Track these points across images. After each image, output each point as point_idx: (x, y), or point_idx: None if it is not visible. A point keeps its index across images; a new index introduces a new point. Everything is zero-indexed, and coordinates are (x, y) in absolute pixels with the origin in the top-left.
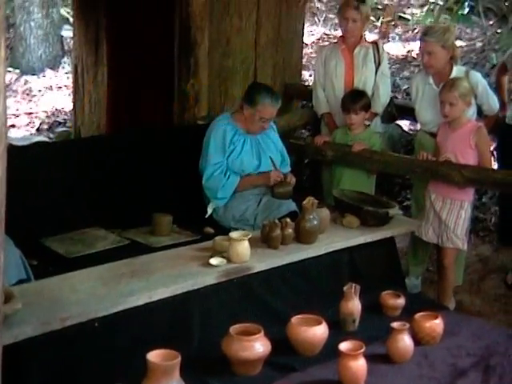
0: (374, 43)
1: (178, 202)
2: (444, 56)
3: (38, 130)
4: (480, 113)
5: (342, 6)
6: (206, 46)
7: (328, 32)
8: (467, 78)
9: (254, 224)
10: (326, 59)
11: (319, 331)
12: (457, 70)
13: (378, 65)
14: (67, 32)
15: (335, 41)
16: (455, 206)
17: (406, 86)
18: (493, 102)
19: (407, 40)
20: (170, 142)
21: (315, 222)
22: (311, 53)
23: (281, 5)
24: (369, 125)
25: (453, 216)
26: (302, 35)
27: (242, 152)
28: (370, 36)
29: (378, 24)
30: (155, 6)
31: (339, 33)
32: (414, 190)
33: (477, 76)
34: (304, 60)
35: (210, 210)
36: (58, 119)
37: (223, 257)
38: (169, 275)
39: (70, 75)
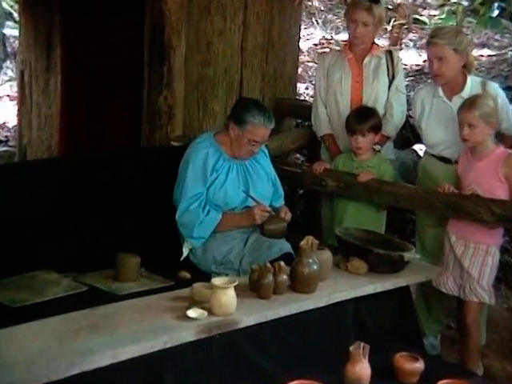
0: (388, 52)
1: (148, 241)
2: (457, 62)
3: None
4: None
5: (351, 6)
6: (182, 51)
7: (328, 36)
8: (484, 90)
9: (240, 268)
10: (328, 70)
11: None
12: (471, 81)
13: (391, 78)
14: (11, 30)
15: (338, 48)
16: (480, 251)
17: None
18: None
19: (423, 47)
20: (137, 167)
21: (315, 267)
22: (308, 61)
23: (272, 3)
24: (379, 150)
25: (477, 263)
26: (298, 40)
27: (226, 181)
28: (378, 42)
29: (389, 28)
30: (121, 3)
31: (341, 37)
32: (419, 226)
33: (495, 88)
34: (299, 70)
35: (185, 251)
36: None
37: (203, 308)
38: (137, 330)
39: (15, 83)
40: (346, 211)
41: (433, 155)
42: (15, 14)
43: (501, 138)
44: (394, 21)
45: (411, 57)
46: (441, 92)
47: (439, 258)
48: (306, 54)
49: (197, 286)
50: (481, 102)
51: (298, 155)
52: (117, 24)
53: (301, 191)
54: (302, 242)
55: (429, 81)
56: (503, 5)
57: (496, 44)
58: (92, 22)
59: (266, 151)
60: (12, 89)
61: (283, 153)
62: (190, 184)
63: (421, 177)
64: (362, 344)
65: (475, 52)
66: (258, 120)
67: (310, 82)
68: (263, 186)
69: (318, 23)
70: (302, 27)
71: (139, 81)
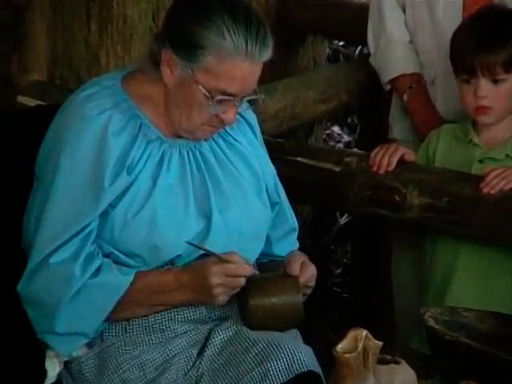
0: None
1: None
2: None
3: None
4: None
5: None
6: None
7: None
8: None
9: None
10: None
11: None
12: None
13: None
14: None
15: None
16: None
17: None
18: None
19: None
20: None
21: None
22: None
23: None
24: None
25: None
26: None
27: (152, 196)
28: None
29: None
30: None
31: None
32: None
33: None
34: None
35: (52, 371)
36: None
37: None
38: None
39: None
40: (454, 268)
41: None
42: None
43: None
44: None
45: None
46: None
47: None
48: None
49: None
50: None
51: (333, 129)
52: None
53: (343, 219)
54: (340, 345)
55: None
56: None
57: None
58: None
59: (253, 121)
60: None
61: (298, 125)
62: (59, 206)
63: None
64: None
65: None
66: (232, 41)
67: None
68: (245, 203)
69: None
70: None
71: None
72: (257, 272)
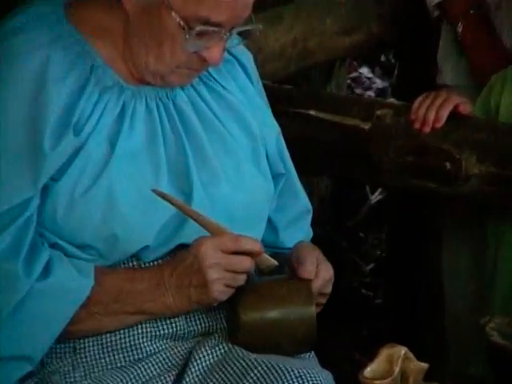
0: None
1: None
2: None
3: None
4: None
5: None
6: None
7: None
8: None
9: None
10: None
11: None
12: None
13: None
14: None
15: None
16: None
17: None
18: None
19: None
20: None
21: None
22: None
23: None
24: None
25: None
26: None
27: (111, 162)
28: None
29: None
30: None
31: None
32: None
33: None
34: None
35: None
36: None
37: None
38: None
39: None
40: None
41: None
42: None
43: None
44: None
45: None
46: None
47: None
48: None
49: None
50: None
51: (361, 71)
52: None
53: (375, 195)
54: (369, 368)
55: None
56: None
57: None
58: None
59: (248, 60)
60: None
61: (311, 66)
62: None
63: None
64: None
65: None
66: None
67: None
68: (238, 175)
69: None
70: None
71: None
72: (271, 260)
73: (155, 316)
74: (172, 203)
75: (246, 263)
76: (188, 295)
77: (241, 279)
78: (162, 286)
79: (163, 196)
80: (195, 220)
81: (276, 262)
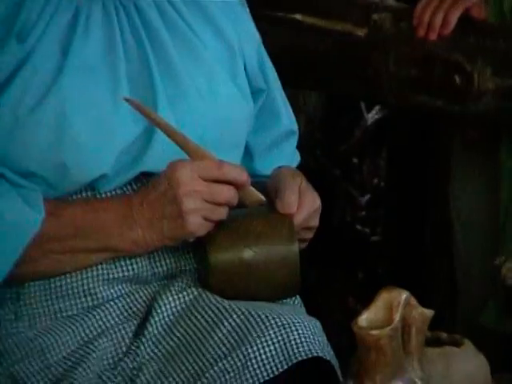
0: None
1: None
2: None
3: None
4: None
5: None
6: None
7: None
8: None
9: None
10: None
11: None
12: None
13: None
14: None
15: None
16: None
17: None
18: None
19: None
20: None
21: None
22: None
23: None
24: None
25: None
26: None
27: (62, 74)
28: None
29: None
30: None
31: None
32: None
33: None
34: None
35: None
36: None
37: None
38: None
39: None
40: None
41: None
42: None
43: None
44: None
45: None
46: None
47: None
48: None
49: None
50: None
51: None
52: None
53: (371, 114)
54: (365, 315)
55: None
56: None
57: None
58: None
59: None
60: None
61: None
62: None
63: None
64: None
65: None
66: None
67: None
68: (210, 91)
69: None
70: None
71: None
72: (258, 195)
73: (121, 253)
74: (150, 118)
75: (229, 194)
76: (160, 229)
77: (221, 212)
78: (130, 217)
79: (138, 107)
80: (174, 140)
81: (264, 198)
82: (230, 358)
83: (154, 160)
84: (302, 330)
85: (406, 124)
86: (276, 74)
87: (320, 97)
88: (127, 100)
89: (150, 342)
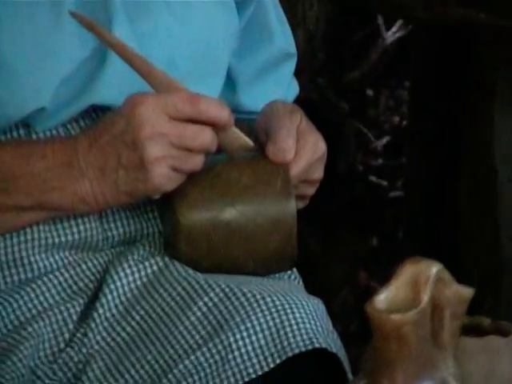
0: None
1: None
2: None
3: None
4: None
5: None
6: None
7: None
8: None
9: None
10: None
11: None
12: None
13: None
14: None
15: None
16: None
17: None
18: None
19: None
20: None
21: None
22: None
23: None
24: None
25: None
26: None
27: None
28: None
29: None
30: None
31: None
32: None
33: None
34: None
35: None
36: None
37: None
38: None
39: None
40: None
41: None
42: None
43: None
44: None
45: None
46: None
47: None
48: None
49: None
50: None
51: None
52: None
53: (390, 32)
54: (383, 295)
55: None
56: None
57: None
58: None
59: None
60: None
61: None
62: None
63: None
64: None
65: None
66: None
67: None
68: (183, 3)
69: None
70: None
71: None
72: (244, 138)
73: (62, 213)
74: (102, 37)
75: (206, 137)
76: (114, 181)
77: (195, 161)
78: (76, 166)
79: (87, 24)
80: (133, 66)
81: (251, 142)
82: (205, 349)
83: (107, 90)
84: (299, 312)
85: (436, 45)
86: None
87: (325, 6)
88: (72, 14)
89: (101, 328)
